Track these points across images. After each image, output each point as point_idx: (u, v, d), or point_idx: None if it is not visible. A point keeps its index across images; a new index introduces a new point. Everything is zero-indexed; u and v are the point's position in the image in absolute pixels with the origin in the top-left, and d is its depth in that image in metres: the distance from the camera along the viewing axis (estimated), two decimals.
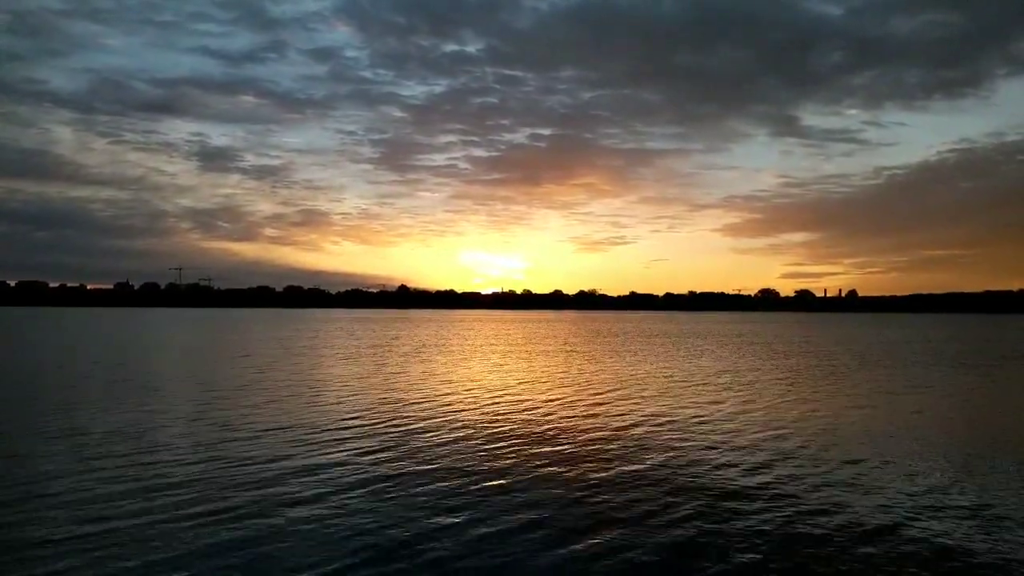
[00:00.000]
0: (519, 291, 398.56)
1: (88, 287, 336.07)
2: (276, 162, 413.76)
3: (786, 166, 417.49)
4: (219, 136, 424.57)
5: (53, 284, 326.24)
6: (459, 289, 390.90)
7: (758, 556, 9.91)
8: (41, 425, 19.24)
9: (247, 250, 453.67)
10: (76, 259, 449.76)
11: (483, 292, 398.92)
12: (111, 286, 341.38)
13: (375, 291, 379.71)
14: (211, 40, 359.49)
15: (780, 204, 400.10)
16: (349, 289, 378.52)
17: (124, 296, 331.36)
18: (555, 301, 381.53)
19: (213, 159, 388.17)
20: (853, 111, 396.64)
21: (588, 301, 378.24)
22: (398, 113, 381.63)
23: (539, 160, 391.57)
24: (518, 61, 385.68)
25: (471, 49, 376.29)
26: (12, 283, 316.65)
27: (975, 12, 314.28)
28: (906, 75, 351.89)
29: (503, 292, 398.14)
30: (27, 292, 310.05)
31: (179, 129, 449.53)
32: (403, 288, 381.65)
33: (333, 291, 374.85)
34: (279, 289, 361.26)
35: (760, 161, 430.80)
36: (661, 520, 11.46)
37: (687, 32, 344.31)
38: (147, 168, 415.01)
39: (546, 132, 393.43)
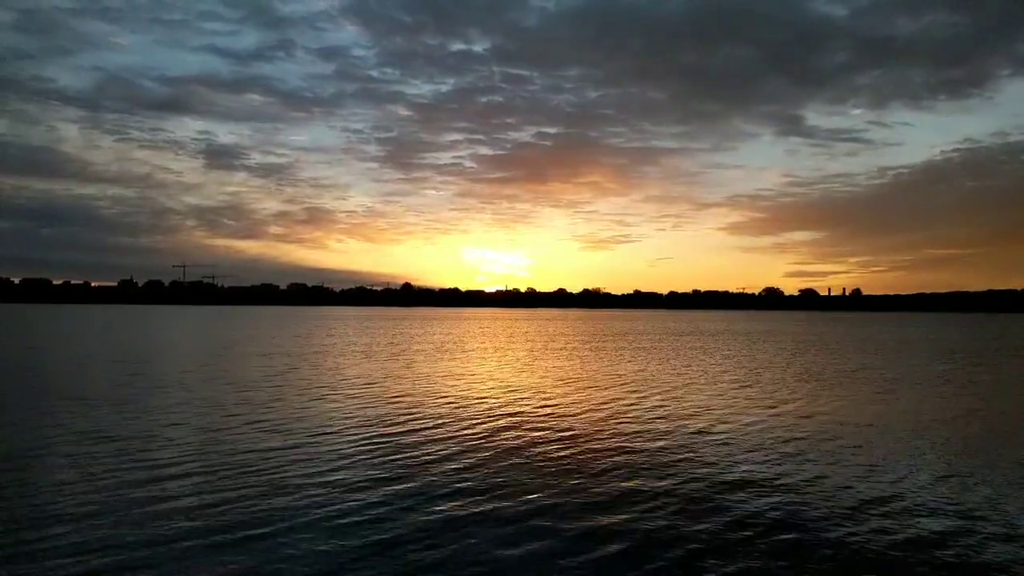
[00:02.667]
0: (523, 289, 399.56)
1: (92, 284, 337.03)
2: (282, 160, 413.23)
3: (791, 165, 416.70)
4: (226, 134, 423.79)
5: (57, 281, 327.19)
6: (463, 287, 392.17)
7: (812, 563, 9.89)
8: (84, 427, 19.16)
9: (251, 247, 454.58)
10: (81, 256, 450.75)
11: (487, 290, 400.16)
12: (115, 283, 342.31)
13: (379, 289, 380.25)
14: (219, 39, 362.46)
15: (785, 203, 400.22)
16: (353, 287, 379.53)
17: (128, 293, 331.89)
18: (559, 299, 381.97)
19: (219, 157, 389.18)
20: (858, 111, 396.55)
21: (592, 299, 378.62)
22: (404, 112, 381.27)
23: (545, 158, 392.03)
24: (524, 60, 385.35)
25: (478, 48, 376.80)
26: (16, 280, 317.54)
27: (980, 13, 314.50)
28: (911, 75, 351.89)
29: (507, 290, 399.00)
30: (31, 289, 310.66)
31: (186, 127, 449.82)
32: (407, 286, 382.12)
33: (337, 289, 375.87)
34: (283, 287, 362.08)
35: (765, 160, 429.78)
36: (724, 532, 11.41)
37: (693, 31, 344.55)
38: (153, 166, 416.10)
39: (552, 131, 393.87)
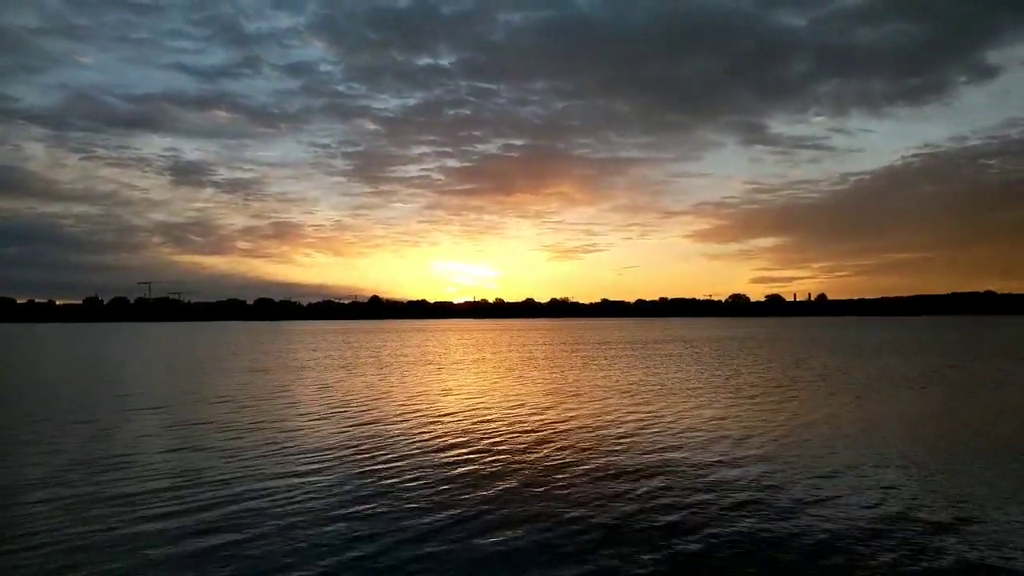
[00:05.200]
0: (492, 300, 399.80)
1: (57, 302, 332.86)
2: (249, 176, 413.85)
3: (755, 173, 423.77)
4: (192, 151, 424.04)
5: (21, 300, 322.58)
6: (432, 299, 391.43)
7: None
8: (68, 450, 19.21)
9: (218, 263, 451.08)
10: (46, 274, 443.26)
11: (456, 301, 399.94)
12: (80, 301, 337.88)
13: (347, 302, 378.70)
14: (186, 56, 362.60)
15: (749, 210, 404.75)
16: (321, 300, 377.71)
17: (93, 311, 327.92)
18: (527, 309, 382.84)
19: (186, 174, 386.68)
20: (819, 118, 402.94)
21: (560, 309, 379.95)
22: (372, 126, 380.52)
23: (512, 170, 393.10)
24: (491, 73, 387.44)
25: (445, 62, 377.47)
26: None
27: (936, 22, 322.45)
28: (871, 83, 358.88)
29: (475, 301, 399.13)
30: None
31: (153, 144, 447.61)
32: (375, 299, 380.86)
33: (304, 303, 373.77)
34: (250, 302, 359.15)
35: (730, 168, 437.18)
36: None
37: (657, 43, 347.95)
38: (120, 183, 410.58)
39: (519, 142, 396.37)
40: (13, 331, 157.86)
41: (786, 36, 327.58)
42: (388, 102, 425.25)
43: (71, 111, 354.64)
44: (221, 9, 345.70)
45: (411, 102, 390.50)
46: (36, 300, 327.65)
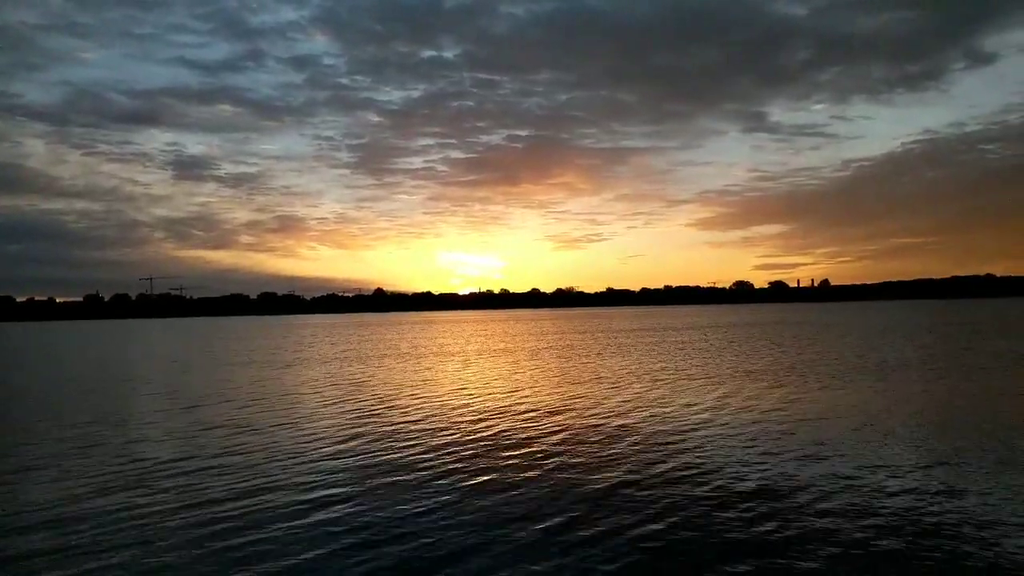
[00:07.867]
0: (497, 291, 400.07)
1: (58, 300, 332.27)
2: (253, 169, 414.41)
3: (757, 160, 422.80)
4: (195, 145, 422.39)
5: (21, 298, 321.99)
6: (437, 290, 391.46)
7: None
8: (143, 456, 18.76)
9: (222, 258, 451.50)
10: (47, 272, 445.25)
11: (460, 293, 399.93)
12: (81, 298, 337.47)
13: (351, 295, 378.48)
14: (189, 51, 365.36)
15: (752, 197, 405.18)
16: (325, 294, 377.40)
17: (94, 308, 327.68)
18: (532, 299, 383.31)
19: (188, 168, 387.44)
20: (820, 106, 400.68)
21: (565, 299, 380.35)
22: (375, 118, 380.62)
23: (516, 160, 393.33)
24: (495, 65, 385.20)
25: (448, 54, 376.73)
26: None
27: (934, 9, 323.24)
28: (870, 70, 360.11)
29: (480, 292, 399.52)
30: None
31: (155, 139, 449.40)
32: (379, 291, 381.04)
33: (308, 296, 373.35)
34: (253, 296, 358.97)
35: (732, 156, 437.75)
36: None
37: (660, 33, 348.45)
38: (121, 179, 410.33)
39: (523, 133, 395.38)
40: (15, 331, 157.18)
41: (786, 25, 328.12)
42: (392, 94, 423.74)
43: (73, 107, 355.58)
44: (225, 3, 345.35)
45: (415, 94, 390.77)
46: (36, 298, 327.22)
